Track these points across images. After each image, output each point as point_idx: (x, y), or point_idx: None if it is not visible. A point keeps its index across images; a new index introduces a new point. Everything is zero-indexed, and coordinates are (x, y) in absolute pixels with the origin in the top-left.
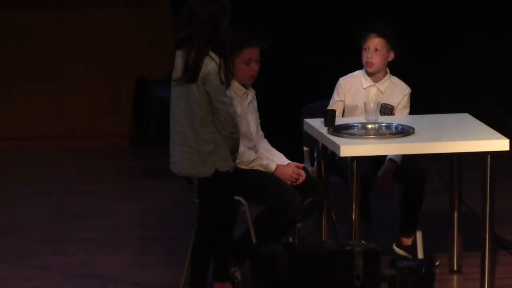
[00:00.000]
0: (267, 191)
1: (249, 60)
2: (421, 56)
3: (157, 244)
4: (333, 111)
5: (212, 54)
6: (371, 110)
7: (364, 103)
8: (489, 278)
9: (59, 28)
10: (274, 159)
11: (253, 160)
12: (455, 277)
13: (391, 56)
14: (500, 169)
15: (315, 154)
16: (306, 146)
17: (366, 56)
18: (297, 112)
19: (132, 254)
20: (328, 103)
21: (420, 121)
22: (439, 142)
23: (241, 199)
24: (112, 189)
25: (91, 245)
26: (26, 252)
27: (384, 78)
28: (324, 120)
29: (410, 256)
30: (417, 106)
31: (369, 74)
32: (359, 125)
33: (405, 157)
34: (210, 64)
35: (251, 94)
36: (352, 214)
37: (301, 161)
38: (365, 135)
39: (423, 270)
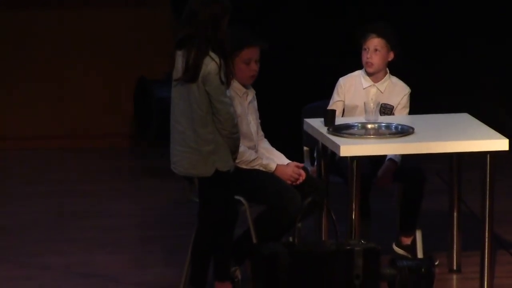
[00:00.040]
0: (267, 190)
1: (249, 60)
2: (421, 56)
3: (157, 243)
4: (333, 111)
5: (212, 54)
6: (371, 110)
7: (364, 103)
8: (489, 277)
9: (59, 28)
10: (274, 159)
11: (253, 160)
12: (454, 276)
13: (391, 56)
14: (500, 169)
15: (315, 154)
16: (306, 146)
17: (366, 56)
18: (297, 112)
19: (132, 253)
20: (328, 103)
21: (419, 121)
22: (439, 142)
23: (241, 198)
24: (112, 189)
25: (91, 245)
26: (26, 252)
27: (384, 78)
28: (324, 120)
29: (409, 256)
30: (417, 106)
31: (369, 74)
32: (359, 125)
33: (404, 157)
34: (210, 64)
35: (251, 94)
36: (352, 213)
37: (301, 161)
38: (365, 135)
39: (423, 270)
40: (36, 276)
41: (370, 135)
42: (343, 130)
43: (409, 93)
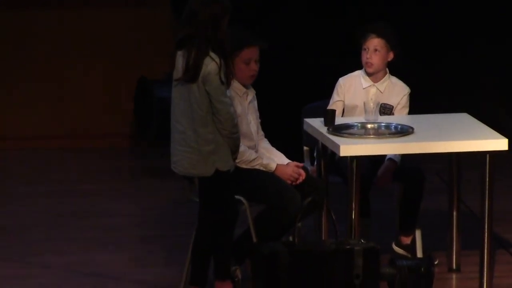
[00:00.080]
0: (268, 190)
1: (248, 60)
2: (421, 56)
3: (158, 243)
4: (333, 111)
5: (212, 54)
6: (371, 110)
7: (364, 103)
8: (488, 276)
9: (59, 28)
10: (274, 159)
11: (254, 160)
12: (454, 275)
13: (391, 56)
14: (499, 169)
15: (315, 154)
16: (306, 146)
17: (365, 56)
18: (297, 112)
19: (132, 253)
20: (328, 103)
21: (419, 121)
22: (438, 142)
23: (241, 198)
24: (112, 189)
25: (92, 245)
26: (26, 251)
27: (384, 78)
28: (324, 120)
29: (409, 255)
30: (417, 106)
31: (369, 74)
32: (359, 125)
33: (404, 157)
34: (210, 64)
35: (251, 94)
36: (352, 213)
37: (301, 161)
38: (364, 134)
39: (422, 269)
40: (36, 275)
41: (370, 135)
42: (343, 130)
43: (408, 93)
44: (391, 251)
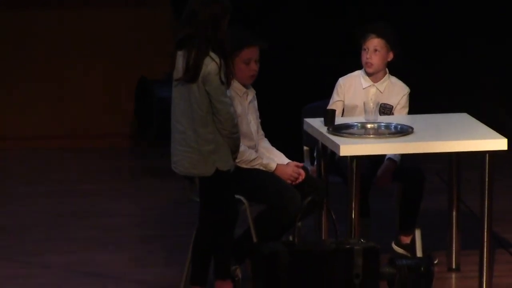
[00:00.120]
0: (268, 190)
1: (248, 60)
2: (421, 56)
3: (158, 243)
4: (333, 111)
5: (212, 54)
6: (371, 110)
7: (364, 103)
8: (487, 276)
9: (59, 28)
10: (274, 159)
11: (254, 159)
12: (453, 275)
13: (390, 56)
14: (499, 169)
15: (315, 154)
16: (306, 146)
17: (365, 57)
18: (297, 112)
19: (132, 253)
20: (328, 103)
21: (419, 121)
22: (438, 142)
23: (241, 198)
24: (112, 189)
25: (92, 244)
26: (26, 251)
27: (383, 78)
28: (324, 120)
29: (409, 255)
30: (416, 106)
31: (369, 74)
32: (359, 124)
33: (404, 157)
34: (210, 65)
35: (251, 94)
36: (352, 213)
37: (301, 161)
38: (364, 134)
39: (422, 269)
40: (36, 275)
41: (370, 134)
42: (342, 130)
43: (408, 93)
44: (391, 251)
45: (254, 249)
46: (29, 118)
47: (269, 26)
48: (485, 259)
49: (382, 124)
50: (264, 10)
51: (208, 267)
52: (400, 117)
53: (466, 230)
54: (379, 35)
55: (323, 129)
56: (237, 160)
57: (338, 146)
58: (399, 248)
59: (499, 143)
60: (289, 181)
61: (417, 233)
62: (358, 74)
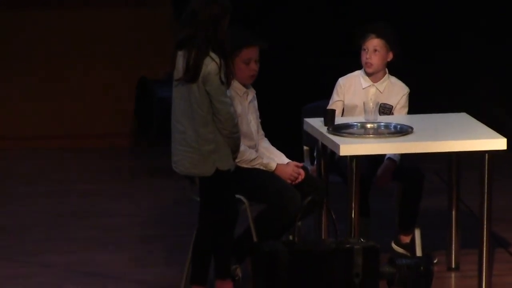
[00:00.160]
0: (268, 190)
1: (248, 60)
2: (420, 56)
3: (158, 243)
4: (333, 111)
5: (212, 54)
6: (370, 110)
7: (363, 103)
8: (487, 275)
9: (59, 28)
10: (275, 158)
11: (254, 159)
12: (453, 274)
13: (390, 56)
14: (498, 168)
15: (315, 153)
16: (306, 145)
17: (365, 57)
18: (297, 112)
19: (132, 253)
20: (328, 103)
21: (418, 121)
22: (437, 142)
23: (242, 197)
24: (112, 189)
25: (92, 244)
26: (26, 251)
27: (383, 78)
28: (324, 120)
29: (408, 254)
30: (416, 105)
31: (368, 74)
32: (359, 124)
33: (403, 156)
34: (211, 65)
35: (252, 94)
36: (352, 212)
37: (301, 160)
38: (364, 134)
39: (422, 268)
40: (36, 275)
41: (370, 134)
42: (342, 130)
43: (408, 93)
44: (390, 250)
45: (254, 248)
46: (29, 118)
47: (269, 26)
48: (484, 259)
49: (382, 124)
50: (264, 10)
51: (208, 266)
52: (400, 117)
53: (465, 230)
54: (379, 35)
55: (323, 129)
56: (237, 160)
57: (338, 146)
58: (398, 248)
59: (498, 143)
60: (289, 181)
61: (417, 233)
62: (358, 74)
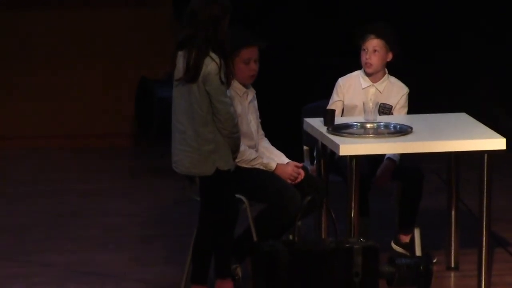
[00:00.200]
0: (268, 189)
1: (248, 60)
2: (420, 56)
3: (158, 242)
4: (333, 111)
5: (212, 54)
6: (370, 110)
7: (363, 103)
8: (486, 275)
9: (59, 28)
10: (275, 158)
11: (254, 159)
12: (452, 274)
13: (390, 56)
14: (497, 168)
15: (314, 153)
16: (306, 145)
17: (364, 57)
18: (297, 112)
19: (132, 253)
20: (327, 103)
21: (418, 121)
22: (437, 141)
23: (242, 197)
24: (112, 189)
25: (92, 244)
26: (26, 251)
27: (383, 78)
28: (324, 120)
29: (408, 254)
30: (415, 105)
31: (368, 75)
32: (358, 124)
33: (403, 156)
34: (211, 65)
35: (252, 94)
36: (351, 212)
37: (301, 160)
38: (364, 134)
39: (421, 267)
40: (36, 274)
41: (369, 134)
42: (342, 130)
43: (407, 93)
44: (390, 250)
45: (254, 248)
46: (29, 118)
47: (269, 26)
48: (483, 258)
49: (382, 124)
50: (264, 10)
51: (208, 266)
52: (399, 117)
53: (465, 229)
54: (379, 35)
55: (323, 129)
56: (237, 160)
57: (337, 146)
58: (398, 247)
59: (497, 143)
60: (289, 181)
61: (416, 232)
62: (357, 74)
